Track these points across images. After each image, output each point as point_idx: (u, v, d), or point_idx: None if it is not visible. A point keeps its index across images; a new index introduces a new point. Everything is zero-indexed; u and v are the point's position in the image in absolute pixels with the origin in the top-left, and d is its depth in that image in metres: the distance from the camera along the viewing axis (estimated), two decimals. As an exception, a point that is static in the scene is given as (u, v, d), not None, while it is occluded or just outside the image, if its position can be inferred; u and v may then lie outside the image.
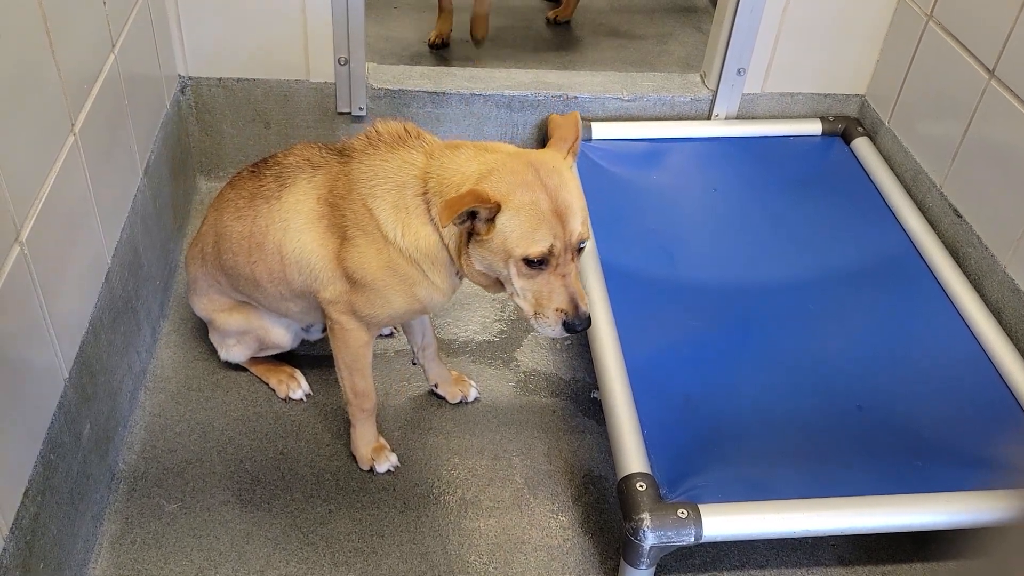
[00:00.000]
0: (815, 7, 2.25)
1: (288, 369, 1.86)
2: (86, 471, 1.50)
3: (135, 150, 1.81)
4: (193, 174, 2.34)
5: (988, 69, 1.91)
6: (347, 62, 2.20)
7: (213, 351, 1.86)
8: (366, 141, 1.46)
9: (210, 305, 1.77)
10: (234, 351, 1.82)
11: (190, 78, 2.21)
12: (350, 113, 2.29)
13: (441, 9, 3.03)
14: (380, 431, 1.75)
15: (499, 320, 2.07)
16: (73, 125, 1.46)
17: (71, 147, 1.44)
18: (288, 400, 1.84)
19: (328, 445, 1.76)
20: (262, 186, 1.57)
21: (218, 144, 2.33)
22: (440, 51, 3.06)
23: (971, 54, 1.97)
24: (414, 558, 1.58)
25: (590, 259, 1.91)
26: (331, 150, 1.53)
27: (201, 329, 1.91)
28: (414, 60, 2.97)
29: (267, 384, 1.86)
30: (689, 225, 2.11)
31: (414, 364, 1.89)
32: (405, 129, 1.45)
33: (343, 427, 1.77)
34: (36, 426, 1.32)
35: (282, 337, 1.78)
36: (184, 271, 1.95)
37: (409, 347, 1.86)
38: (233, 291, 1.71)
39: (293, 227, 1.51)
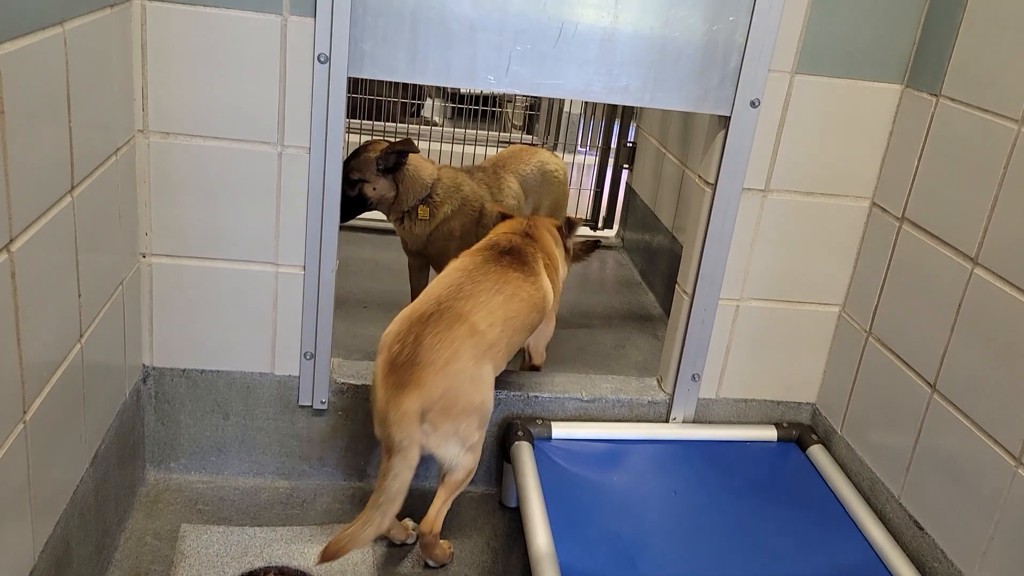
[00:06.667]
0: (762, 320, 2.38)
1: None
2: None
3: (85, 439, 1.77)
4: (142, 464, 2.27)
5: (929, 383, 1.99)
6: (312, 356, 2.24)
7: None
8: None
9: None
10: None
11: (154, 368, 2.22)
12: (311, 406, 2.29)
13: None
14: None
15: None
16: (24, 414, 1.44)
17: (18, 436, 1.41)
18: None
19: None
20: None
21: (173, 434, 2.29)
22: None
23: (912, 369, 2.06)
24: None
25: (548, 563, 1.83)
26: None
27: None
28: (379, 356, 3.04)
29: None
30: (650, 528, 2.05)
31: None
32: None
33: None
34: None
35: None
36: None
37: None
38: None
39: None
